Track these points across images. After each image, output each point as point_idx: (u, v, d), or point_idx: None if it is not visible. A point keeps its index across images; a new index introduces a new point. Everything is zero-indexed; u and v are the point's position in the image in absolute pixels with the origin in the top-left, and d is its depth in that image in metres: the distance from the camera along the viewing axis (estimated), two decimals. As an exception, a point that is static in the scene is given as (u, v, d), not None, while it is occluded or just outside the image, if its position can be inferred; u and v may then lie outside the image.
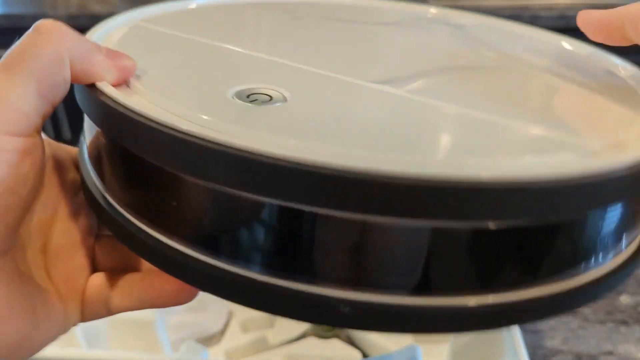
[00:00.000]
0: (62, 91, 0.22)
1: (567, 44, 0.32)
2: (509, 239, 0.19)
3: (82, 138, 0.27)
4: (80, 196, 0.26)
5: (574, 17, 0.26)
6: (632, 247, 0.23)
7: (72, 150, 0.27)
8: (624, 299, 0.55)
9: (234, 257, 0.20)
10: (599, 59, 0.30)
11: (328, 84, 0.24)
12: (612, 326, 0.52)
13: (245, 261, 0.20)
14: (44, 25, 0.22)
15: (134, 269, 0.26)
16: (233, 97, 0.22)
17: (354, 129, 0.21)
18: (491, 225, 0.18)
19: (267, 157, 0.17)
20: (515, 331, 0.46)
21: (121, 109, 0.20)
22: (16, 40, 0.22)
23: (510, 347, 0.45)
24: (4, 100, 0.20)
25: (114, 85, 0.22)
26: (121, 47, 0.25)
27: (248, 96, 0.22)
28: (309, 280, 0.19)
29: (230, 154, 0.18)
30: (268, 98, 0.22)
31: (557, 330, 0.51)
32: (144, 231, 0.22)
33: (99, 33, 0.27)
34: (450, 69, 0.27)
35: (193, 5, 0.33)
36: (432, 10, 0.36)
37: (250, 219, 0.20)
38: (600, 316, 0.53)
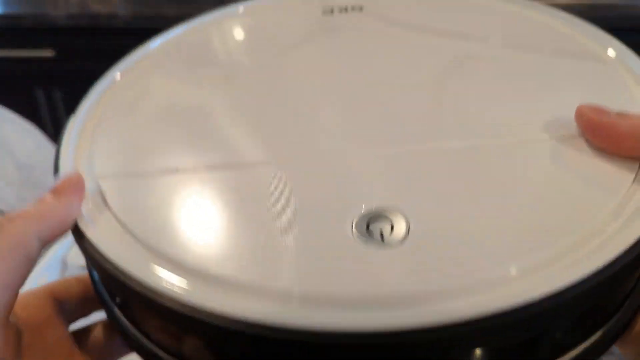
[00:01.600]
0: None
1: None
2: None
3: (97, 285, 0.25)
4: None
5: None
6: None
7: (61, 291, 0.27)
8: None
9: None
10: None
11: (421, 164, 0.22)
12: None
13: None
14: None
15: None
16: (354, 234, 0.18)
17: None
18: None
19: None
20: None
21: (233, 326, 0.18)
22: None
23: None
24: None
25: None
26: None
27: (368, 227, 0.19)
28: None
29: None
30: (390, 226, 0.19)
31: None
32: None
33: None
34: (437, 96, 0.26)
35: (118, 77, 0.29)
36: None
37: None
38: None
